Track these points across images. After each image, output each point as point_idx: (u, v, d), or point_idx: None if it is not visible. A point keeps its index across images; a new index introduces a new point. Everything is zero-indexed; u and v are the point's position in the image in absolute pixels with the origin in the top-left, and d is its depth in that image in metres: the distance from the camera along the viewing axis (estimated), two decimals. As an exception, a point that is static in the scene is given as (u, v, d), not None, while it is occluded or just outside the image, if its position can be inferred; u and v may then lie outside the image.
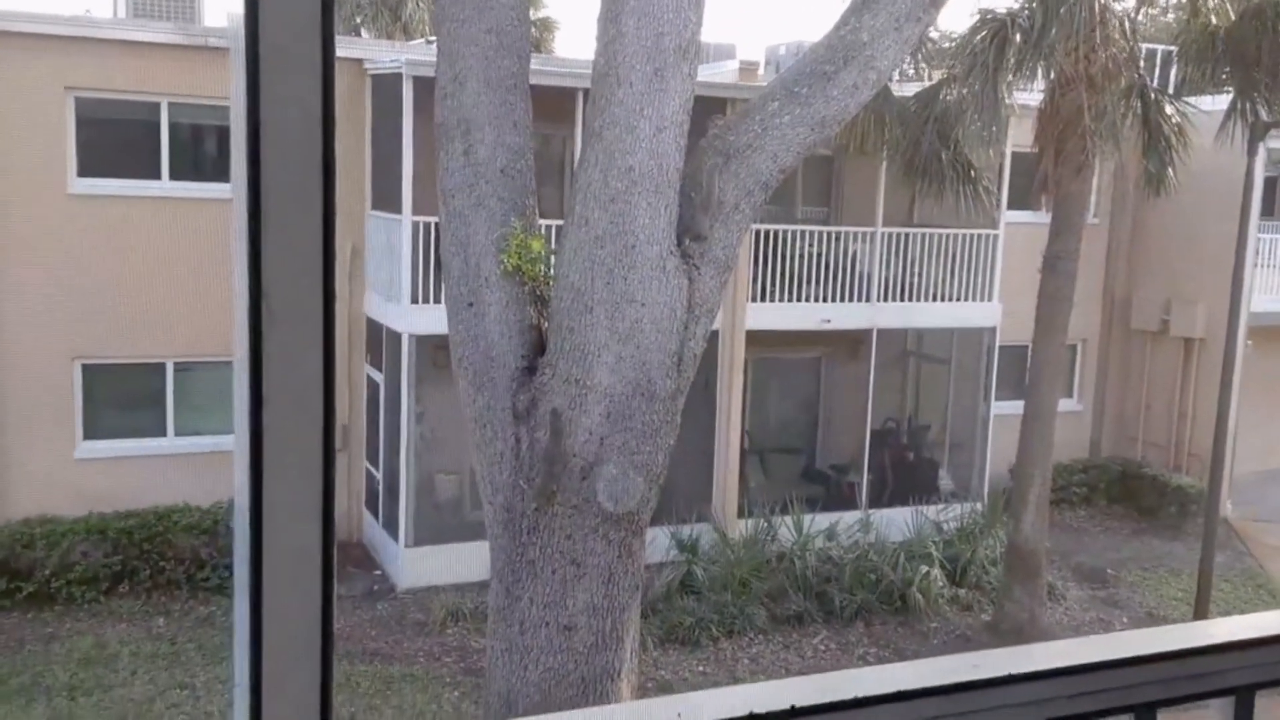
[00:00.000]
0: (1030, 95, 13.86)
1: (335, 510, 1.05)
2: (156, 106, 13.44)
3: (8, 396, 13.01)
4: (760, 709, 1.19)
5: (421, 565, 13.26)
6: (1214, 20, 13.51)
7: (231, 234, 1.02)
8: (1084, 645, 1.44)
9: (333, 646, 1.01)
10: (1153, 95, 13.24)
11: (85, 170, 13.22)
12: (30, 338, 12.97)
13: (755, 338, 14.63)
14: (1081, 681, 1.38)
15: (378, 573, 13.76)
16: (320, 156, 0.97)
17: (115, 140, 13.71)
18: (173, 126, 13.58)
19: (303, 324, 0.97)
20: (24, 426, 13.07)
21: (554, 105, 12.25)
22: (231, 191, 1.00)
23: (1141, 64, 13.76)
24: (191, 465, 13.45)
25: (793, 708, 1.20)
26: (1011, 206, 15.61)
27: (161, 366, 13.75)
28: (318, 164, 0.97)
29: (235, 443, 1.02)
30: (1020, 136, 14.30)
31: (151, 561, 12.48)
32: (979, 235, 15.52)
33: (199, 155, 14.17)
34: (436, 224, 8.24)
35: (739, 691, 1.24)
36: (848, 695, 1.25)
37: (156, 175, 13.53)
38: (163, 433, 13.87)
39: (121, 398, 13.81)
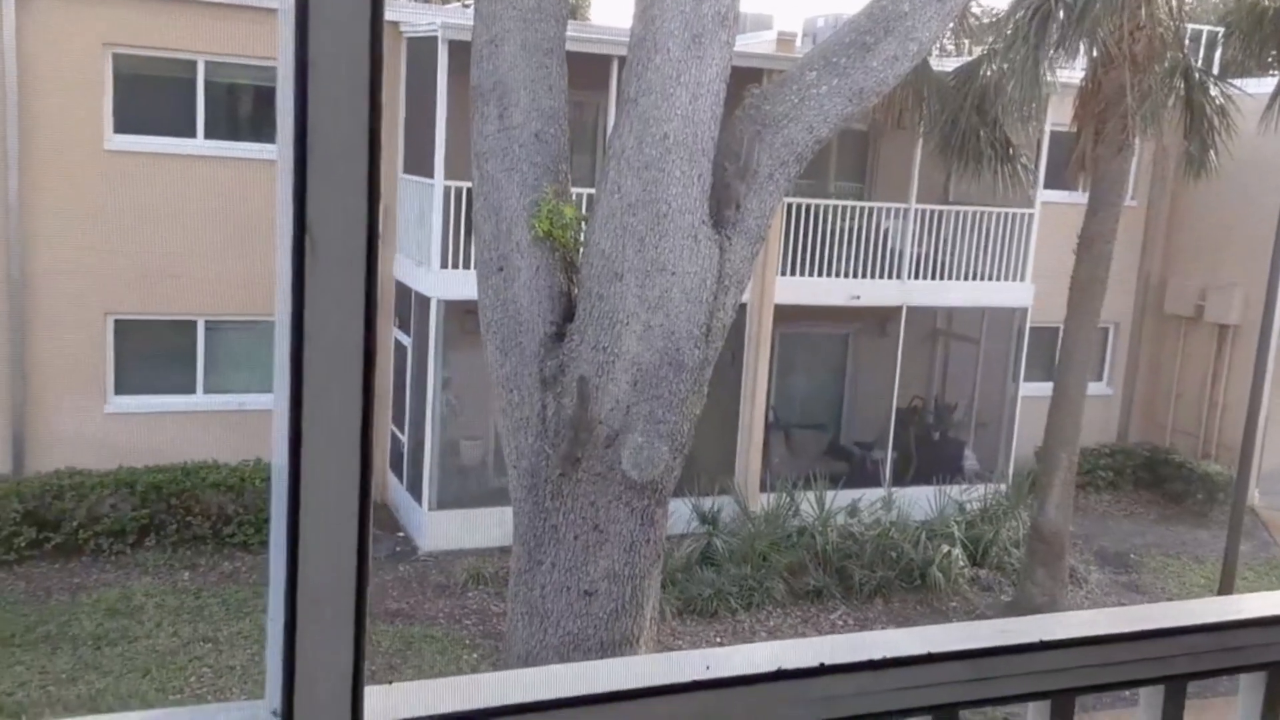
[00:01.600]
0: (1070, 73, 13.68)
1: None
2: (193, 64, 13.48)
3: (41, 350, 13.15)
4: (789, 665, 1.18)
5: (444, 528, 13.35)
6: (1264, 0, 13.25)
7: (276, 182, 1.02)
8: (1114, 615, 1.43)
9: (366, 603, 1.01)
10: (1197, 76, 13.02)
11: (122, 127, 13.29)
12: (64, 292, 13.10)
13: (783, 311, 14.57)
14: (1111, 651, 1.37)
15: (400, 534, 13.87)
16: (367, 102, 0.96)
17: (151, 98, 13.76)
18: (208, 85, 13.62)
19: (345, 261, 0.97)
20: (56, 380, 13.22)
21: (588, 72, 12.18)
22: (278, 132, 1.00)
23: (1186, 44, 13.53)
24: (220, 422, 13.59)
25: (822, 665, 1.20)
26: (1048, 186, 15.44)
27: (193, 324, 13.86)
28: (364, 109, 0.96)
29: (275, 394, 1.02)
30: (1058, 115, 14.12)
31: (178, 516, 12.62)
32: (1014, 214, 15.37)
33: (234, 114, 14.21)
34: (468, 188, 8.23)
35: (768, 648, 1.23)
36: (877, 655, 1.24)
37: (192, 133, 13.59)
38: (192, 390, 14.00)
39: (153, 354, 13.93)
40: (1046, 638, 1.32)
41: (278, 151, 1.00)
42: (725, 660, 1.19)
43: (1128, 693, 1.45)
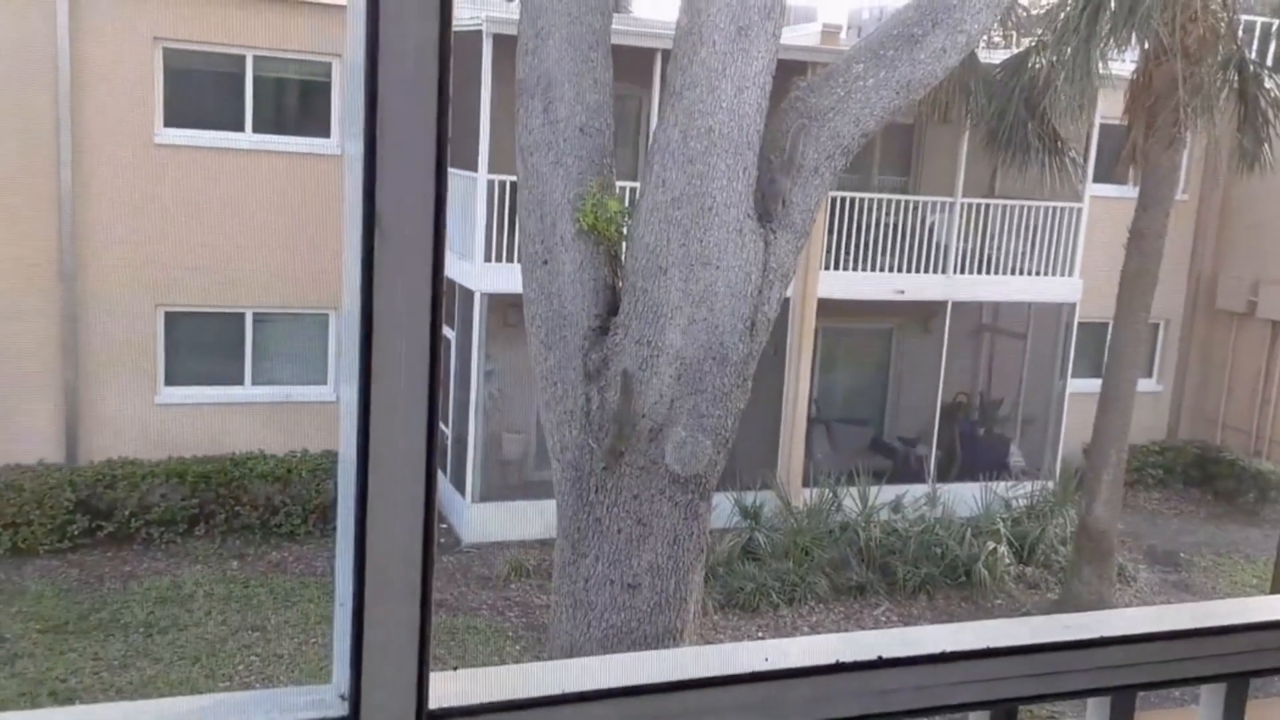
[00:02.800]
0: (1121, 66, 13.49)
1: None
2: (242, 59, 13.64)
3: (93, 341, 13.37)
4: (848, 658, 1.18)
5: (487, 521, 13.44)
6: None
7: (340, 175, 1.03)
8: (1176, 612, 1.42)
9: (431, 590, 1.03)
10: (1251, 69, 12.79)
11: (171, 120, 13.48)
12: (115, 284, 13.30)
13: (827, 306, 14.50)
14: (1173, 648, 1.35)
15: (444, 526, 13.97)
16: (436, 96, 0.97)
17: (201, 92, 13.95)
18: (257, 80, 13.77)
19: (414, 252, 0.98)
20: (108, 370, 13.45)
21: (632, 65, 12.19)
22: (346, 126, 1.02)
23: (1240, 36, 13.29)
24: (268, 414, 13.75)
25: (880, 658, 1.20)
26: (1097, 180, 15.24)
27: (241, 316, 14.03)
28: (433, 103, 0.97)
29: (341, 384, 1.04)
30: (1108, 108, 13.93)
31: (227, 506, 12.80)
32: (1062, 208, 15.18)
33: (281, 109, 14.37)
34: (512, 182, 8.27)
35: (826, 640, 1.23)
36: (935, 649, 1.24)
37: (241, 128, 13.75)
38: (241, 381, 14.18)
39: (202, 345, 14.13)
40: (1108, 633, 1.30)
41: (344, 145, 1.01)
42: (783, 652, 1.20)
43: (1176, 692, 1.43)
